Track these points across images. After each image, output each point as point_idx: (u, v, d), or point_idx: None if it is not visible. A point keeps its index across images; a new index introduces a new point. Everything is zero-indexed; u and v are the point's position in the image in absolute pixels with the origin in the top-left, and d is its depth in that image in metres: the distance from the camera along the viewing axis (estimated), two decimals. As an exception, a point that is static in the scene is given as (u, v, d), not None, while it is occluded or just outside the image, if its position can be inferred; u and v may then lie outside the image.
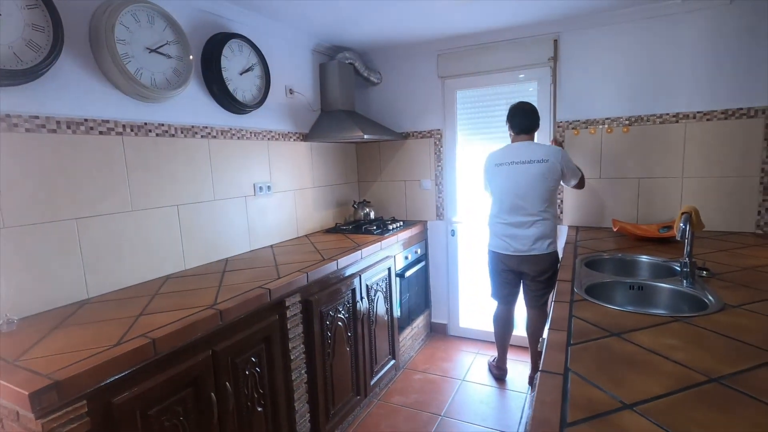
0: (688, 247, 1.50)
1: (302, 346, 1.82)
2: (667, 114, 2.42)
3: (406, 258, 2.87)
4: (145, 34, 1.72)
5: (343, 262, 2.09)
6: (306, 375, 1.85)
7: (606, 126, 2.57)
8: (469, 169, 3.06)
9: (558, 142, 2.61)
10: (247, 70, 2.24)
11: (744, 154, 2.28)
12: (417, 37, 2.81)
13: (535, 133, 2.37)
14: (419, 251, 3.08)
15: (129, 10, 1.65)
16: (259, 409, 1.58)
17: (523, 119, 2.30)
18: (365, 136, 2.60)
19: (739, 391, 0.81)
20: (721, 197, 2.36)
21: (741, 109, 2.26)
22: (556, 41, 2.62)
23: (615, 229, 2.34)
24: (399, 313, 2.73)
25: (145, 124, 1.80)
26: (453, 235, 3.13)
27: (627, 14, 2.41)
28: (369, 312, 2.32)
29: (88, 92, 1.59)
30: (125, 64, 1.63)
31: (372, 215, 3.16)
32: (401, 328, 2.78)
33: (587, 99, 2.60)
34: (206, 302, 1.48)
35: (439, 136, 3.06)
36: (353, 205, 3.17)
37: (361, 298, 2.24)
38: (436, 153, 3.09)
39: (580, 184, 2.35)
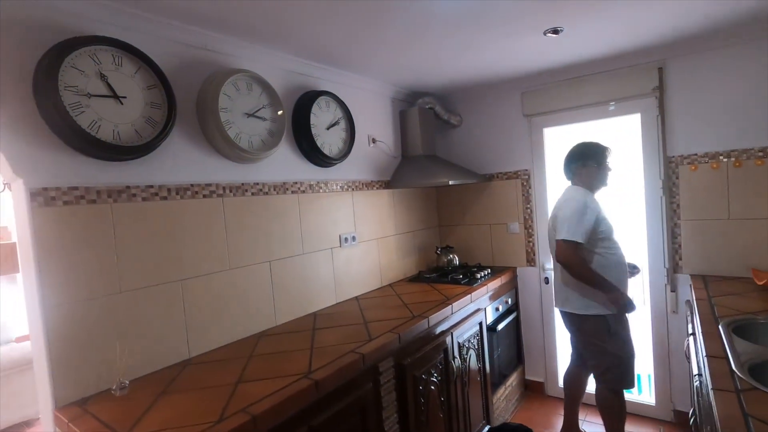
0: None
1: (396, 415, 1.69)
2: (816, 142, 2.03)
3: (497, 309, 2.65)
4: (244, 100, 1.81)
5: (434, 319, 1.96)
6: (400, 447, 1.70)
7: (733, 159, 2.22)
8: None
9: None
10: (333, 125, 2.28)
11: None
12: (499, 76, 2.71)
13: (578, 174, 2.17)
14: (509, 301, 2.84)
15: (231, 80, 1.75)
16: (355, 488, 1.46)
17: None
18: (450, 182, 2.51)
19: None
20: None
21: None
22: (661, 69, 2.36)
23: (760, 283, 1.95)
24: (490, 371, 2.49)
25: (242, 184, 1.86)
26: (547, 283, 2.85)
27: (748, 33, 2.11)
28: (462, 373, 2.13)
29: (194, 159, 1.69)
30: (227, 130, 1.72)
31: (456, 261, 3.00)
32: (494, 387, 2.53)
33: (706, 130, 2.28)
34: (301, 369, 1.42)
35: (526, 176, 2.87)
36: (436, 251, 3.04)
37: (454, 357, 2.06)
38: (524, 194, 2.89)
39: (562, 257, 1.97)
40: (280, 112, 1.94)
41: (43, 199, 1.28)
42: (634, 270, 2.17)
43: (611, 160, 2.09)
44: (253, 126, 1.85)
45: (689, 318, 2.04)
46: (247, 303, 1.85)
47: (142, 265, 1.50)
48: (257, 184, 1.93)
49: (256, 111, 1.87)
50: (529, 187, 2.87)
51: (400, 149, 2.92)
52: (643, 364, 2.65)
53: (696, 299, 1.92)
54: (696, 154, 2.32)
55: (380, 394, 1.61)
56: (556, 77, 2.67)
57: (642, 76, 2.40)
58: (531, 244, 2.89)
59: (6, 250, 4.68)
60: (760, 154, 2.15)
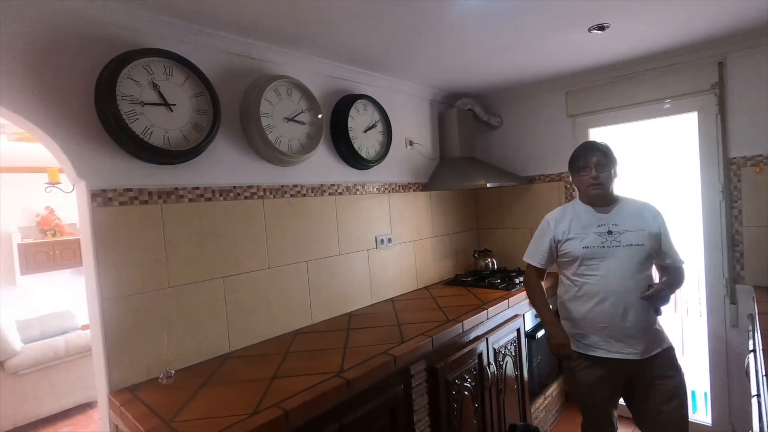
0: None
1: (427, 418, 1.68)
2: None
3: (536, 316, 2.56)
4: (284, 105, 1.88)
5: (468, 323, 1.93)
6: (431, 451, 1.69)
7: (804, 160, 2.02)
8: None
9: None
10: (370, 128, 2.31)
11: None
12: (542, 75, 2.63)
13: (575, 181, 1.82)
14: (551, 307, 2.74)
15: (272, 87, 1.82)
16: (385, 489, 1.47)
17: None
18: (488, 184, 2.46)
19: None
20: None
21: None
22: (721, 64, 2.20)
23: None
24: (528, 379, 2.42)
25: (282, 186, 1.93)
26: (591, 290, 2.72)
27: (827, 21, 1.91)
28: (497, 380, 2.08)
29: (236, 162, 1.77)
30: (267, 134, 1.79)
31: (494, 265, 2.94)
32: (533, 397, 2.45)
33: (772, 128, 2.10)
34: (333, 368, 1.46)
35: (569, 179, 2.76)
36: (474, 255, 2.99)
37: (489, 363, 2.02)
38: (567, 197, 2.79)
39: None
40: (319, 116, 1.99)
41: (101, 199, 1.40)
42: (655, 311, 1.68)
43: (587, 167, 1.69)
44: (292, 130, 1.91)
45: (751, 333, 1.88)
46: (284, 301, 1.91)
47: (187, 262, 1.60)
48: (296, 186, 1.99)
49: (296, 115, 1.93)
50: (572, 190, 2.76)
51: (438, 151, 2.90)
52: (699, 381, 2.47)
53: (759, 313, 1.77)
54: (761, 155, 2.13)
55: (411, 396, 1.61)
56: (603, 75, 2.55)
57: (699, 72, 2.25)
58: (574, 249, 2.78)
59: (75, 245, 5.11)
60: (838, 154, 1.95)
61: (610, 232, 1.67)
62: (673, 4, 1.73)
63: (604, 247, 1.66)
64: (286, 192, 1.95)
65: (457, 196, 3.06)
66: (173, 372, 1.48)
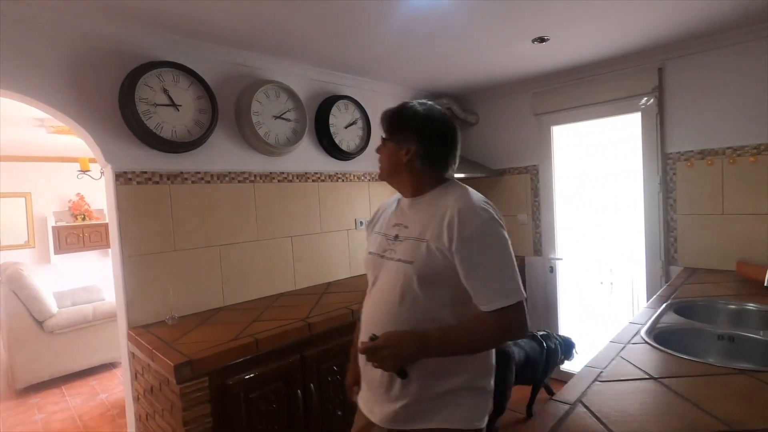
0: (795, 296, 1.32)
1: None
2: (809, 139, 2.06)
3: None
4: (272, 105, 2.26)
5: (424, 291, 2.28)
6: (384, 391, 2.06)
7: (728, 156, 2.29)
8: (569, 205, 2.98)
9: None
10: (351, 124, 2.67)
11: None
12: (510, 78, 2.94)
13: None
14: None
15: (262, 90, 2.19)
16: (339, 413, 1.84)
17: None
18: (455, 175, 2.79)
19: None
20: None
21: None
22: (660, 69, 2.47)
23: (740, 274, 2.04)
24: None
25: (270, 173, 2.31)
26: (552, 272, 3.04)
27: (743, 34, 2.17)
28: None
29: (232, 152, 2.16)
30: (258, 130, 2.17)
31: (467, 249, 3.26)
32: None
33: (702, 128, 2.36)
34: (302, 316, 1.83)
35: (535, 171, 3.07)
36: (449, 239, 3.33)
37: (444, 326, 2.37)
38: (532, 188, 3.09)
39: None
40: (303, 114, 2.36)
41: (123, 179, 1.80)
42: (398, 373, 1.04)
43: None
44: (279, 126, 2.29)
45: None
46: (271, 268, 2.30)
47: (190, 232, 1.99)
48: (282, 173, 2.37)
49: (283, 114, 2.30)
50: (537, 182, 3.06)
51: (418, 145, 3.23)
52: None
53: (668, 286, 2.06)
54: (692, 151, 2.41)
55: (367, 344, 1.98)
56: (562, 78, 2.84)
57: (643, 77, 2.52)
58: (538, 234, 3.09)
59: (102, 229, 5.64)
60: (754, 151, 2.21)
61: (396, 237, 1.10)
62: (602, 20, 2.02)
63: (383, 256, 1.12)
64: (274, 178, 2.33)
65: (437, 187, 3.39)
66: (177, 316, 1.88)
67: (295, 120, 2.36)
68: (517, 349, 2.34)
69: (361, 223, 2.78)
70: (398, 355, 0.96)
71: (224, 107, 2.11)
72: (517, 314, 0.96)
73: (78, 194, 5.58)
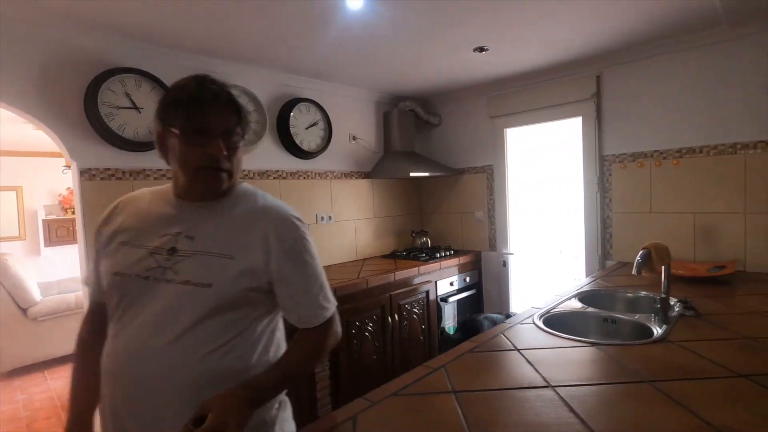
0: (665, 284, 1.50)
1: (326, 346, 2.23)
2: (723, 144, 2.24)
3: (451, 284, 3.08)
4: (233, 108, 2.43)
5: (372, 281, 2.47)
6: (329, 371, 2.25)
7: (654, 159, 2.47)
8: (520, 203, 3.17)
9: None
10: (312, 125, 2.84)
11: (820, 187, 1.99)
12: (468, 82, 3.11)
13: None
14: (468, 279, 3.25)
15: (222, 93, 2.37)
16: (283, 389, 2.03)
17: None
18: (410, 174, 2.98)
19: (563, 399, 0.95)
20: (797, 236, 2.06)
21: (812, 136, 2.00)
22: (598, 77, 2.65)
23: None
24: (443, 336, 2.94)
25: (231, 170, 2.49)
26: (504, 266, 3.22)
27: (670, 45, 2.35)
28: (400, 329, 2.62)
29: (194, 151, 2.34)
30: (217, 131, 2.34)
31: (429, 244, 3.45)
32: (444, 350, 2.97)
33: (634, 132, 2.54)
34: (249, 301, 2.02)
35: (490, 171, 3.25)
36: (411, 234, 3.51)
37: (392, 315, 2.56)
38: (488, 187, 3.27)
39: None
40: (263, 116, 2.54)
41: (87, 175, 1.98)
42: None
43: (206, 131, 0.86)
44: (240, 127, 2.46)
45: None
46: (231, 259, 2.48)
47: (152, 224, 2.17)
48: (243, 171, 2.55)
49: (243, 115, 2.48)
50: (492, 181, 3.24)
51: (383, 145, 3.42)
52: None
53: (590, 278, 2.25)
54: (625, 154, 2.59)
55: (312, 328, 2.16)
56: (515, 84, 3.01)
57: (583, 84, 2.70)
58: (492, 230, 3.27)
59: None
60: (677, 154, 2.39)
61: (173, 251, 0.86)
62: (544, 32, 2.18)
63: (148, 278, 0.84)
64: (235, 175, 2.51)
65: (401, 184, 3.57)
66: (137, 301, 2.06)
67: (256, 121, 2.54)
68: (487, 322, 2.50)
69: (323, 218, 2.96)
70: (239, 427, 0.70)
71: (186, 109, 2.29)
72: (336, 321, 0.94)
73: (68, 188, 5.75)
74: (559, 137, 2.97)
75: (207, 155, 0.84)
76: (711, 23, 2.13)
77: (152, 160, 2.18)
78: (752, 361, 1.10)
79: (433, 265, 2.89)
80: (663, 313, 1.45)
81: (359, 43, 2.24)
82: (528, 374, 1.08)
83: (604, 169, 2.68)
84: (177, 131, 0.84)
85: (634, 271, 1.49)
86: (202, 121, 0.84)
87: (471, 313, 3.26)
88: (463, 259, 3.17)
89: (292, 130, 2.71)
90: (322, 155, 2.93)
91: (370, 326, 2.45)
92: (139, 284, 0.83)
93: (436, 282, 2.92)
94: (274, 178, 2.70)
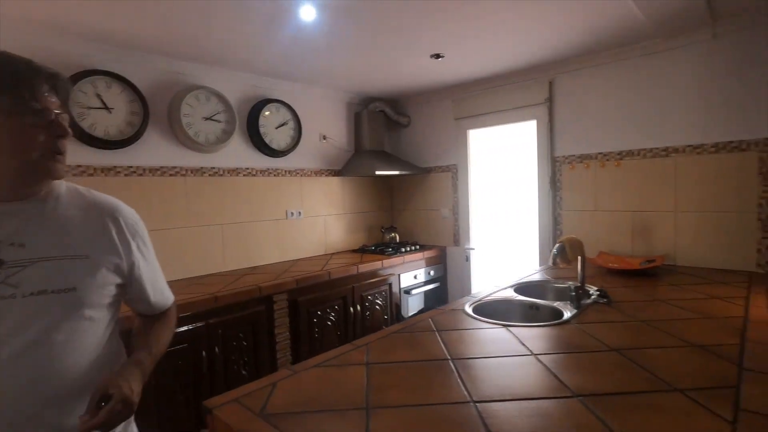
0: (581, 275, 1.68)
1: (288, 334, 2.38)
2: (657, 148, 2.42)
3: (415, 277, 3.24)
4: (203, 108, 2.56)
5: (335, 273, 2.62)
6: (291, 356, 2.40)
7: (598, 161, 2.65)
8: (482, 201, 3.34)
9: None
10: (282, 125, 2.98)
11: (739, 189, 2.18)
12: (433, 86, 3.26)
13: None
14: (433, 273, 3.41)
15: (192, 94, 2.50)
16: (244, 372, 2.18)
17: None
18: (376, 172, 3.13)
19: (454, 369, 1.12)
20: (719, 233, 2.25)
21: (732, 142, 2.19)
22: (551, 83, 2.82)
23: (594, 261, 2.41)
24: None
25: (201, 167, 2.62)
26: (467, 260, 3.39)
27: (612, 55, 2.52)
28: (362, 318, 2.77)
29: (164, 149, 2.46)
30: (187, 130, 2.47)
31: (397, 239, 3.61)
32: (408, 340, 3.14)
33: (581, 135, 2.72)
34: (212, 291, 2.16)
35: (455, 170, 3.41)
36: (381, 230, 3.67)
37: (354, 305, 2.72)
38: (453, 185, 3.44)
39: None
40: (232, 116, 2.67)
41: (59, 172, 2.10)
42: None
43: (42, 108, 0.79)
44: (210, 126, 2.60)
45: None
46: (200, 252, 2.61)
47: (122, 218, 2.30)
48: (213, 168, 2.68)
49: (213, 115, 2.61)
50: (457, 179, 3.41)
51: (354, 144, 3.56)
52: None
53: (534, 270, 2.42)
54: (574, 156, 2.76)
55: (274, 317, 2.31)
56: (477, 87, 3.17)
57: (537, 89, 2.87)
58: (456, 227, 3.44)
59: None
60: (618, 157, 2.57)
61: (1, 263, 0.76)
62: (497, 41, 2.33)
63: None
64: (205, 172, 2.64)
65: (372, 182, 3.72)
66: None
67: (226, 121, 2.66)
68: None
69: (292, 214, 3.10)
70: (133, 405, 0.78)
71: (158, 110, 2.41)
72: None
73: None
74: (517, 139, 3.13)
75: (51, 138, 0.78)
76: (645, 36, 2.30)
77: (125, 158, 2.30)
78: (630, 339, 1.28)
79: (396, 259, 3.05)
80: (577, 300, 1.62)
81: (322, 48, 2.37)
82: (436, 350, 1.24)
83: (556, 169, 2.85)
84: (3, 114, 0.73)
85: (549, 263, 1.66)
86: (37, 99, 0.76)
87: (435, 305, 3.43)
88: (428, 254, 3.34)
89: (262, 130, 2.84)
90: (292, 153, 3.07)
91: (333, 315, 2.60)
92: None
93: (399, 275, 3.08)
94: (245, 175, 2.83)
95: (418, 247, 3.39)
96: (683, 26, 2.17)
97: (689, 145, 2.32)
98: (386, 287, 2.96)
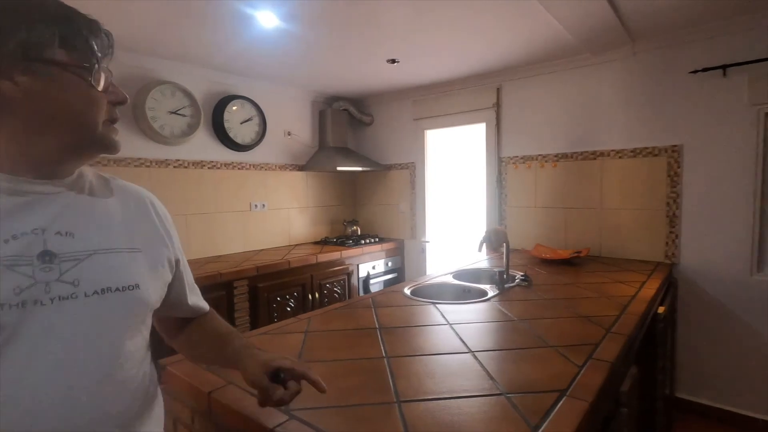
0: (506, 261, 1.91)
1: (248, 318, 2.54)
2: (587, 151, 2.71)
3: (374, 268, 3.44)
4: (168, 102, 2.67)
5: (295, 263, 2.78)
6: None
7: (538, 162, 2.92)
8: (437, 197, 3.57)
9: None
10: (247, 120, 3.11)
11: (651, 189, 2.48)
12: (394, 87, 3.46)
13: None
14: (391, 264, 3.63)
15: (157, 89, 2.60)
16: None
17: None
18: (338, 168, 3.30)
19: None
20: (636, 228, 2.55)
21: (647, 148, 2.49)
22: (498, 89, 3.07)
23: (530, 252, 2.67)
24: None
25: (166, 159, 2.73)
26: (423, 252, 3.62)
27: (550, 67, 2.79)
28: (321, 305, 2.95)
29: (130, 141, 2.56)
30: (153, 124, 2.58)
31: (359, 232, 3.80)
32: (365, 326, 3.34)
33: (524, 138, 2.98)
34: (175, 276, 2.28)
35: (413, 167, 3.63)
36: (343, 223, 3.85)
37: (312, 293, 2.89)
38: (411, 182, 3.65)
39: None
40: (197, 110, 2.79)
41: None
42: None
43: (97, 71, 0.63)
44: (175, 120, 2.70)
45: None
46: (165, 240, 2.72)
47: (87, 206, 2.39)
48: (178, 160, 2.79)
49: (179, 110, 2.72)
50: (414, 176, 3.62)
51: (318, 141, 3.72)
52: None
53: (475, 261, 2.67)
54: (517, 156, 3.02)
55: (234, 302, 2.46)
56: (433, 90, 3.40)
57: (486, 94, 3.11)
58: (413, 221, 3.66)
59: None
60: (555, 158, 2.84)
61: (47, 256, 0.59)
62: (448, 50, 2.54)
63: (22, 305, 0.56)
64: (169, 164, 2.75)
65: (336, 177, 3.89)
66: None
67: (191, 115, 2.78)
68: None
69: (257, 206, 3.24)
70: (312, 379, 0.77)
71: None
72: None
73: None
74: (470, 140, 3.38)
75: (108, 104, 0.64)
76: (575, 52, 2.57)
77: (88, 148, 2.39)
78: (535, 312, 1.51)
79: (355, 251, 3.24)
80: (501, 283, 1.86)
81: (286, 50, 2.53)
82: (368, 322, 1.44)
83: (502, 169, 3.11)
84: (59, 68, 0.58)
85: (477, 250, 1.88)
86: (94, 54, 0.61)
87: (393, 294, 3.65)
88: (386, 246, 3.55)
89: (227, 125, 2.97)
90: (257, 148, 3.20)
91: (292, 302, 2.77)
92: (11, 314, 0.54)
93: (358, 265, 3.28)
94: (209, 168, 2.96)
95: (377, 239, 3.60)
96: (607, 44, 2.45)
97: (613, 150, 2.61)
98: (345, 276, 3.15)
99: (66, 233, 0.61)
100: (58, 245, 0.59)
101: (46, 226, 0.59)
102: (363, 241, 3.44)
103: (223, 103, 2.96)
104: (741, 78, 2.18)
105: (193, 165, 2.87)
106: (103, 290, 0.62)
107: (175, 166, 2.78)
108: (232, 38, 2.32)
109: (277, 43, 2.40)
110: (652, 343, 1.74)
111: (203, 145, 2.93)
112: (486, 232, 1.91)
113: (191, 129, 2.78)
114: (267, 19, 2.03)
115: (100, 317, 0.62)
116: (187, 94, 2.75)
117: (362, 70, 2.95)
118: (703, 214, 2.33)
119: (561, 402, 0.88)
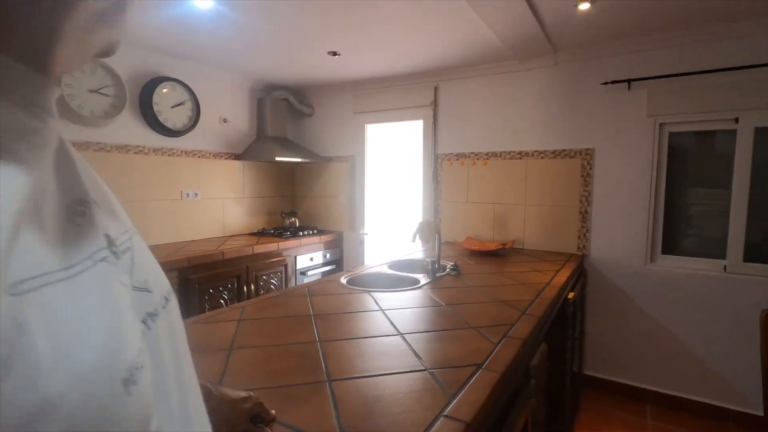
0: (438, 251, 2.02)
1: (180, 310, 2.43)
2: (513, 151, 2.92)
3: (312, 259, 3.45)
4: (88, 80, 2.46)
5: (229, 254, 2.72)
6: (180, 333, 2.46)
7: (471, 159, 3.09)
8: (376, 190, 3.65)
9: None
10: (178, 105, 2.96)
11: (568, 188, 2.74)
12: (335, 79, 3.47)
13: None
14: (329, 256, 3.65)
15: (76, 65, 2.39)
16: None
17: None
18: (276, 158, 3.26)
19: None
20: (555, 223, 2.81)
21: (565, 150, 2.74)
22: (436, 88, 3.19)
23: (461, 244, 2.84)
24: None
25: (86, 142, 2.52)
26: (362, 244, 3.68)
27: (483, 69, 2.96)
28: (257, 296, 2.91)
29: (41, 120, 2.33)
30: (69, 102, 2.37)
31: (297, 224, 3.77)
32: (302, 318, 3.34)
33: (459, 136, 3.14)
34: (95, 267, 2.14)
35: (353, 160, 3.67)
36: (281, 215, 3.80)
37: (249, 284, 2.84)
38: (350, 175, 3.69)
39: None
40: (122, 91, 2.60)
41: None
42: None
43: None
44: (96, 100, 2.51)
45: (418, 267, 2.89)
46: (83, 229, 2.52)
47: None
48: (100, 143, 2.59)
49: (100, 89, 2.52)
50: (354, 169, 3.67)
51: (256, 130, 3.63)
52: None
53: (412, 252, 2.78)
54: (452, 154, 3.18)
55: (162, 293, 2.35)
56: (374, 85, 3.45)
57: (424, 92, 3.23)
58: (352, 213, 3.71)
59: None
60: (485, 157, 3.03)
61: (115, 247, 0.32)
62: (387, 46, 2.59)
63: (152, 316, 0.34)
64: (89, 147, 2.55)
65: (274, 167, 3.83)
66: None
67: (114, 95, 2.59)
68: None
69: (188, 195, 3.10)
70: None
71: (33, 77, 2.28)
72: None
73: None
74: (409, 135, 3.48)
75: None
76: (504, 57, 2.76)
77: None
78: (461, 298, 1.63)
79: (292, 242, 3.22)
80: (432, 272, 1.97)
81: (223, 33, 2.44)
82: (303, 309, 1.46)
83: (437, 165, 3.25)
84: None
85: (411, 240, 1.98)
86: None
87: (330, 286, 3.67)
88: (325, 238, 3.56)
89: (156, 108, 2.80)
90: (189, 134, 3.06)
91: (226, 294, 2.70)
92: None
93: (295, 257, 3.26)
94: (135, 153, 2.78)
95: (315, 231, 3.60)
96: (533, 52, 2.65)
97: (536, 151, 2.84)
98: (282, 268, 3.12)
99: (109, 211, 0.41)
100: (112, 227, 0.39)
101: (89, 199, 0.38)
102: (301, 233, 3.43)
103: (152, 85, 2.79)
104: (642, 92, 2.47)
105: (117, 149, 2.68)
106: (168, 293, 0.42)
107: (95, 150, 2.58)
108: (163, 15, 2.20)
109: (213, 26, 2.31)
110: (563, 325, 1.94)
111: (129, 129, 2.74)
112: (419, 224, 2.01)
113: (115, 110, 2.59)
114: (202, 1, 1.96)
115: (171, 331, 0.41)
116: (110, 72, 2.56)
117: (303, 61, 2.93)
118: (609, 212, 2.63)
119: (477, 374, 0.98)
